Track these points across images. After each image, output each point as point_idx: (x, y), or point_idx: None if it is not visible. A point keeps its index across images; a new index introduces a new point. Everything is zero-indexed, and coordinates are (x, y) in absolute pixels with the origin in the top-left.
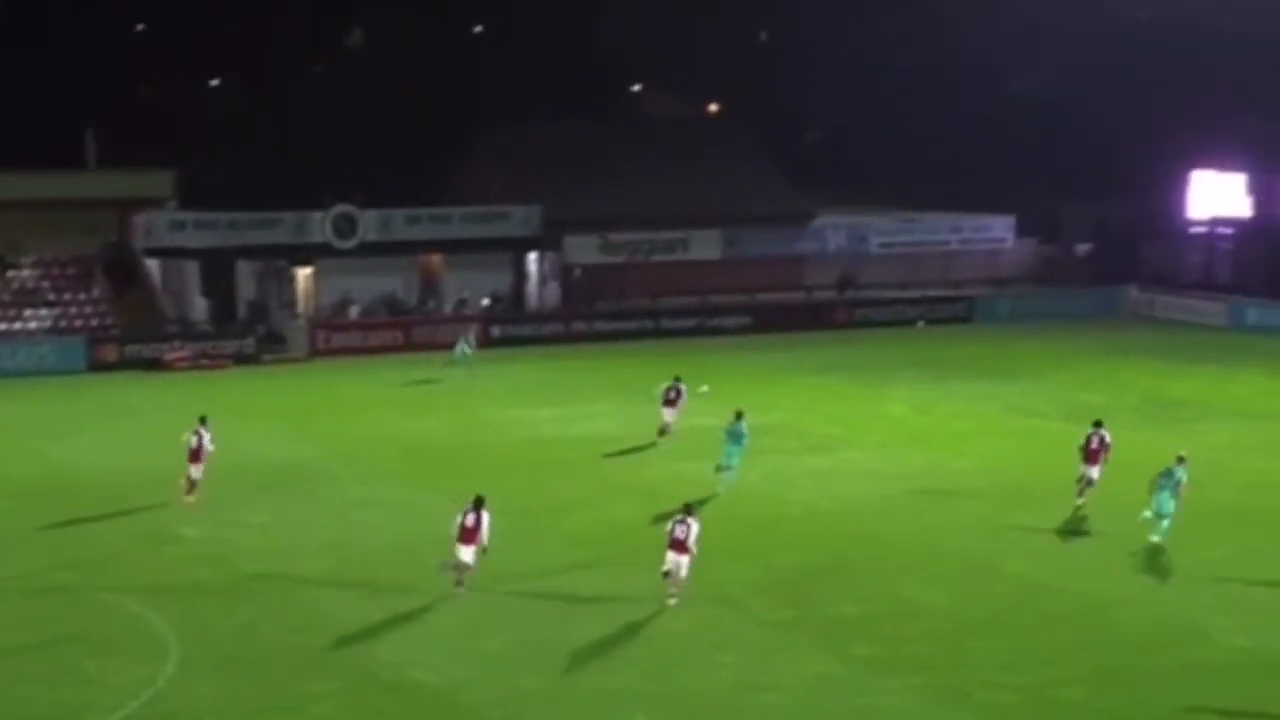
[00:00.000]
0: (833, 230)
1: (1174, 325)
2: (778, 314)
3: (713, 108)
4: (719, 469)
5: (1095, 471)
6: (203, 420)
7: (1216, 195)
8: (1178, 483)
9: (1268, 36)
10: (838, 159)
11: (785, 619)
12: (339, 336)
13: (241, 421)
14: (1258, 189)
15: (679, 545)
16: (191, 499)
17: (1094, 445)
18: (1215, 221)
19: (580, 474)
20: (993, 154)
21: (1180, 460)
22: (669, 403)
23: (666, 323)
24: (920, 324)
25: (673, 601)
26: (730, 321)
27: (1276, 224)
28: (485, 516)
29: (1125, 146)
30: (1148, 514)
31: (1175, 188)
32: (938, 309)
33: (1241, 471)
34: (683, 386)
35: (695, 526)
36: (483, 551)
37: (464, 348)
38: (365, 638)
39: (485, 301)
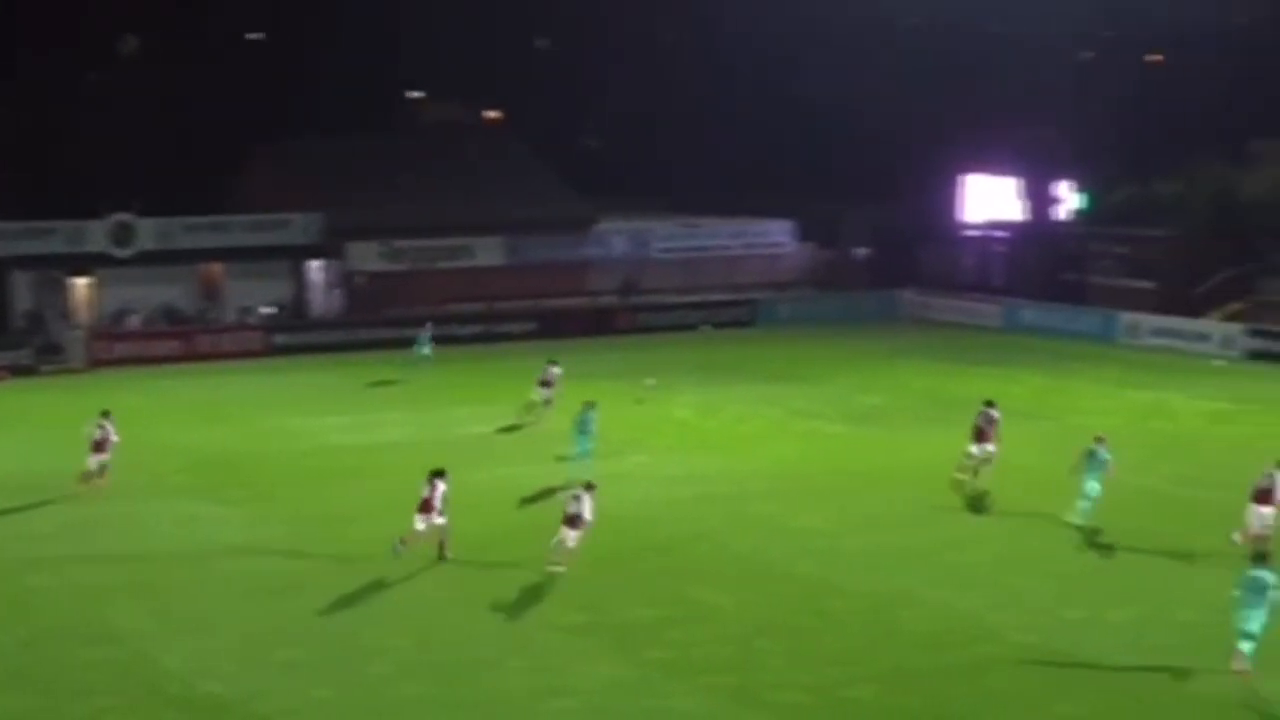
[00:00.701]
0: (615, 236)
1: (951, 327)
2: (562, 319)
3: (492, 115)
4: (570, 460)
5: (980, 449)
6: (105, 414)
7: (990, 199)
8: (1102, 463)
9: (1037, 42)
10: (618, 165)
11: (577, 623)
12: (119, 346)
13: (20, 433)
14: (1030, 193)
15: (573, 520)
16: (103, 482)
17: (981, 424)
18: (990, 225)
19: (369, 483)
20: (772, 160)
21: (1099, 440)
22: (544, 384)
23: (452, 329)
24: (706, 328)
25: (559, 569)
26: (516, 328)
27: (1049, 227)
28: (441, 487)
29: (900, 151)
30: (1086, 501)
31: (950, 192)
32: (720, 313)
33: (1019, 471)
34: (556, 370)
35: (589, 502)
36: (439, 516)
37: (424, 348)
38: (152, 650)
39: (267, 310)
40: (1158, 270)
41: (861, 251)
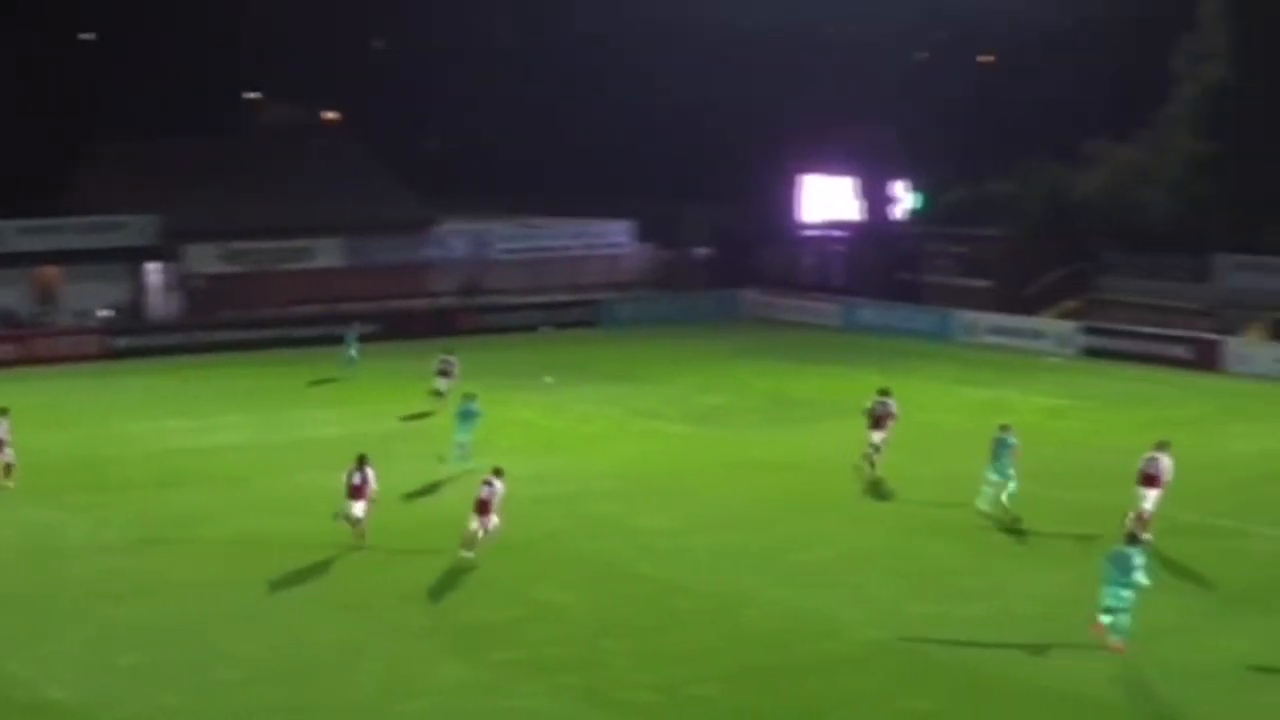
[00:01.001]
0: (455, 237)
1: (792, 326)
2: (405, 321)
3: (330, 115)
4: (455, 450)
5: (878, 436)
6: (1, 411)
7: (828, 199)
8: (1011, 447)
9: (871, 42)
10: (458, 166)
11: (424, 626)
12: None
13: None
14: (866, 193)
15: (483, 507)
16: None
17: (879, 412)
18: (828, 225)
19: (215, 486)
20: (612, 160)
21: (1004, 428)
22: (442, 373)
23: (294, 331)
24: (547, 329)
25: (469, 554)
26: (359, 329)
27: (886, 227)
28: (370, 472)
29: (740, 151)
30: (990, 487)
31: (789, 192)
32: (562, 314)
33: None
34: (453, 360)
35: (500, 488)
36: (371, 503)
37: (350, 349)
38: None
39: (104, 313)
40: (993, 269)
41: (702, 252)
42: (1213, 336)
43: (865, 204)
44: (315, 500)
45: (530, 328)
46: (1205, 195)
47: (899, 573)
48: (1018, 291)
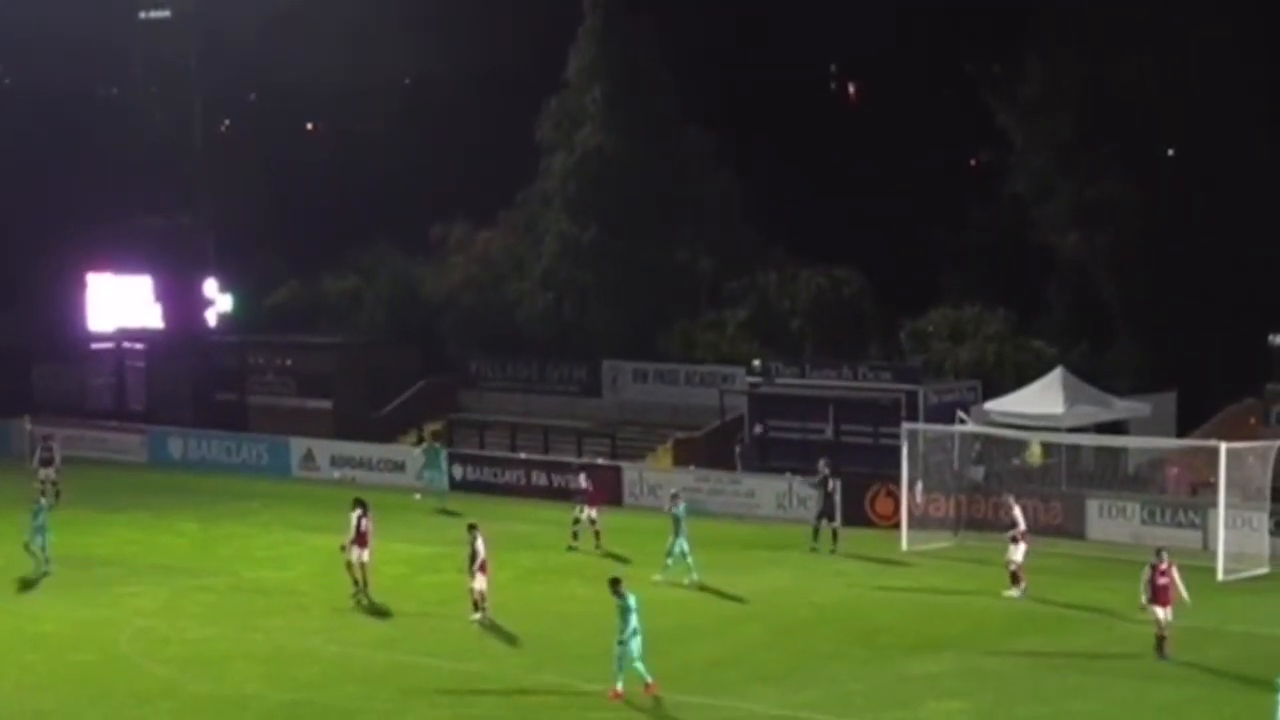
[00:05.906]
0: None
1: (85, 464)
2: None
3: None
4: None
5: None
6: None
7: (120, 303)
8: (679, 519)
9: (164, 108)
10: None
11: None
12: None
13: None
14: (166, 294)
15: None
16: None
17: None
18: (122, 335)
19: None
20: None
21: (674, 498)
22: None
23: None
24: None
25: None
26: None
27: (194, 335)
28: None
29: (6, 244)
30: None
31: (76, 296)
32: None
33: (182, 643)
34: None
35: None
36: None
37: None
38: None
39: None
40: (335, 386)
41: None
42: (610, 463)
43: (168, 308)
44: None
45: None
46: (587, 288)
47: None
48: (367, 413)
